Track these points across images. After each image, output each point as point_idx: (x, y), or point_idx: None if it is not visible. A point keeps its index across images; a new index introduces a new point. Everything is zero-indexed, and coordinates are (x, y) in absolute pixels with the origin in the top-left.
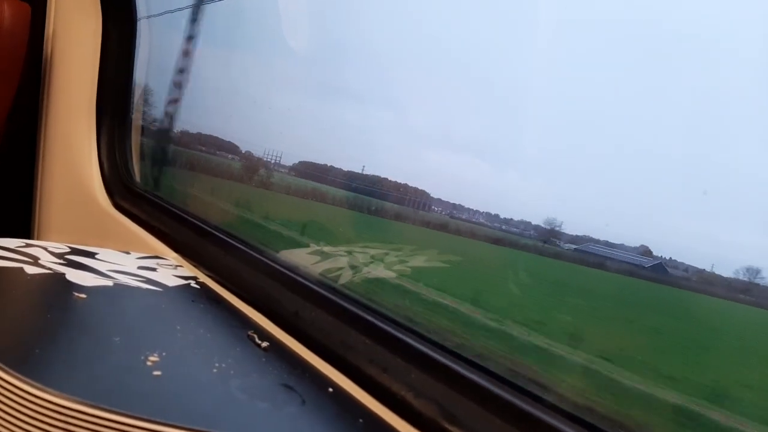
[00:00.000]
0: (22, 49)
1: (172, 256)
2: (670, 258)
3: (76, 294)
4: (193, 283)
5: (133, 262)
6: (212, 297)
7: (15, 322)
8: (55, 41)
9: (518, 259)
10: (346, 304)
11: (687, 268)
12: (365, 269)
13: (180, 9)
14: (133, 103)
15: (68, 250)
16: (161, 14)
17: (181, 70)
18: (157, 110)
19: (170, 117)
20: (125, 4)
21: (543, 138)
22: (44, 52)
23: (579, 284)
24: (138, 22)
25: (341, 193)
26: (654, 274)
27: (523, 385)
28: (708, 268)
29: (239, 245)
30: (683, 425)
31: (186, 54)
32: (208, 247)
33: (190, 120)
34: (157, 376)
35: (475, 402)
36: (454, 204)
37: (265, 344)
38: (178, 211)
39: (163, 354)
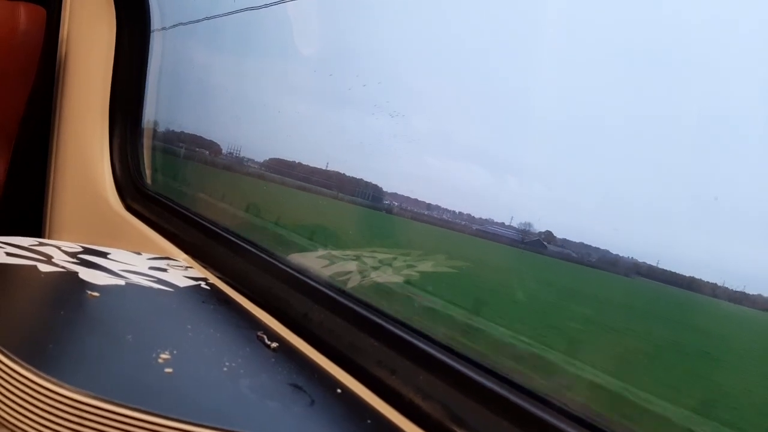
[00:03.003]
0: (37, 51)
1: (183, 258)
2: (564, 239)
3: (89, 292)
4: (203, 284)
5: (144, 262)
6: (222, 298)
7: (29, 318)
8: (69, 45)
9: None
10: (354, 307)
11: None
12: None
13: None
14: (145, 107)
15: (81, 249)
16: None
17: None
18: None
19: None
20: (139, 10)
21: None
22: (58, 55)
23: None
24: (152, 34)
25: (302, 184)
26: (533, 246)
27: None
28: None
29: (249, 247)
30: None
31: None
32: (218, 249)
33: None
34: (169, 373)
35: (482, 404)
36: (401, 196)
37: (274, 345)
38: (188, 214)
39: (175, 352)
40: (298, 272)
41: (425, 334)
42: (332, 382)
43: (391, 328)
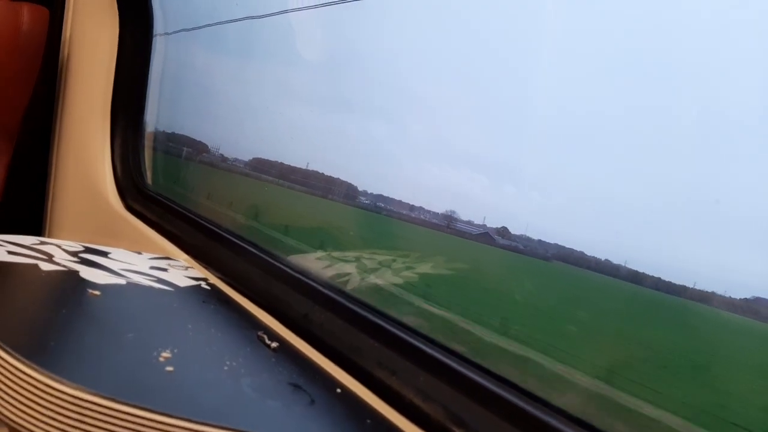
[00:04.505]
0: (40, 51)
1: (183, 258)
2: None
3: (90, 291)
4: (203, 284)
5: (145, 262)
6: (222, 298)
7: (31, 315)
8: (72, 45)
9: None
10: (355, 308)
11: (514, 239)
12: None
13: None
14: (146, 107)
15: (82, 248)
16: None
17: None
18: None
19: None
20: (142, 12)
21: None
22: (61, 55)
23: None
24: (154, 38)
25: (282, 182)
26: (482, 237)
27: None
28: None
29: (249, 248)
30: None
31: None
32: (219, 249)
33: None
34: (170, 371)
35: (483, 406)
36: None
37: (274, 345)
38: (189, 214)
39: (175, 351)
40: (299, 273)
41: (426, 335)
42: (332, 383)
43: (392, 329)
